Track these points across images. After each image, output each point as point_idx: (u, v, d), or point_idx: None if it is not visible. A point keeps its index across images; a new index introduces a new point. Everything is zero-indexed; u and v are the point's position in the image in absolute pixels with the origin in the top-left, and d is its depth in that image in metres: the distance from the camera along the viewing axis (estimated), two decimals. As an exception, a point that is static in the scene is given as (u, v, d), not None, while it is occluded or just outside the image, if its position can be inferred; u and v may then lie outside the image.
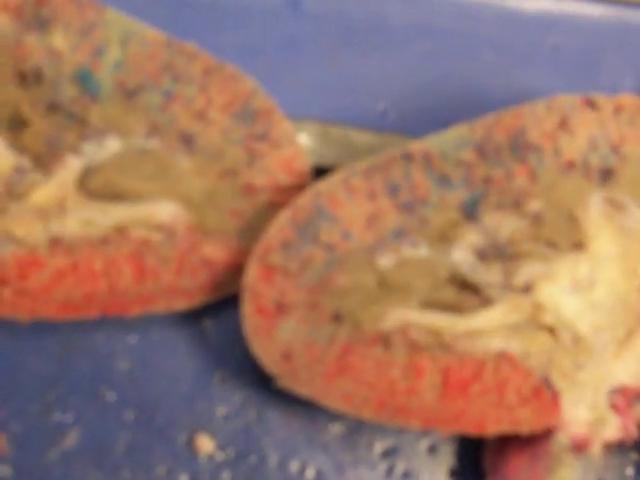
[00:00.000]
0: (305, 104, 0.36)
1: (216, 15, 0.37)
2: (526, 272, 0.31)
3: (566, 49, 0.38)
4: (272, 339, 0.31)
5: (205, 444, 0.33)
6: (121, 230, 0.31)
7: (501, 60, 0.38)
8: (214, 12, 0.37)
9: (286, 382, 0.31)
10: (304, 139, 0.34)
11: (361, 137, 0.34)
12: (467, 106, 0.37)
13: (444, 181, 0.31)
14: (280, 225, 0.31)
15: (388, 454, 0.34)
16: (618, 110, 0.32)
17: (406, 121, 0.37)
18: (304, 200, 0.31)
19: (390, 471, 0.34)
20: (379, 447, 0.34)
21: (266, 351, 0.31)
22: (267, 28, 0.37)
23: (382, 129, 0.35)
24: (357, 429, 0.34)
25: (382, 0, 0.38)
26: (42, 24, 0.31)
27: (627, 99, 0.32)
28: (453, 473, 0.34)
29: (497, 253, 0.31)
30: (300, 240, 0.31)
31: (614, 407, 0.31)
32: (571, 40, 0.38)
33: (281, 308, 0.31)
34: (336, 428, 0.34)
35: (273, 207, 0.32)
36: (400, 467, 0.34)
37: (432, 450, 0.34)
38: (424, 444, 0.34)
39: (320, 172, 0.33)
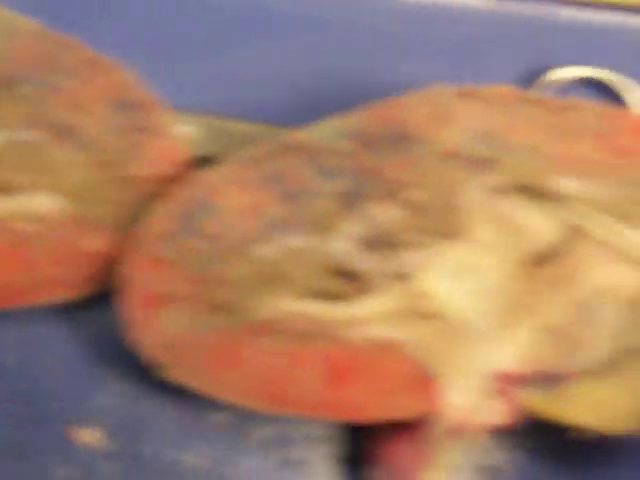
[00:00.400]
0: (187, 95, 0.36)
1: (97, 6, 0.36)
2: (406, 260, 0.31)
3: (447, 40, 0.39)
4: (154, 330, 0.31)
5: (85, 436, 0.33)
6: (-1, 222, 0.31)
7: (383, 51, 0.38)
8: (95, 3, 0.36)
9: (169, 373, 0.31)
10: (185, 130, 0.34)
11: (243, 128, 0.35)
12: (350, 97, 0.37)
13: (324, 171, 0.31)
14: (161, 216, 0.31)
15: (271, 443, 0.34)
16: (496, 100, 0.32)
17: (288, 112, 0.37)
18: (185, 191, 0.31)
19: (277, 460, 0.34)
20: (261, 436, 0.34)
21: (147, 342, 0.31)
22: (148, 19, 0.36)
23: (264, 120, 0.35)
24: (238, 418, 0.34)
25: (269, -8, 0.38)
26: None
27: (505, 89, 0.33)
28: (342, 460, 0.34)
29: (377, 242, 0.31)
30: (181, 230, 0.31)
31: (495, 392, 0.32)
32: (452, 31, 0.39)
33: (162, 299, 0.31)
34: (216, 417, 0.34)
35: (154, 198, 0.32)
36: (283, 456, 0.34)
37: (319, 438, 0.34)
38: (311, 432, 0.34)
39: (202, 163, 0.33)
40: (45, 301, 0.32)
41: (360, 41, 0.38)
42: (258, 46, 0.38)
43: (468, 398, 0.32)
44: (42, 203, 0.31)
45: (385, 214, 0.31)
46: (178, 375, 0.31)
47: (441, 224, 0.31)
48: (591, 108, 0.33)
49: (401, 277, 0.31)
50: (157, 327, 0.31)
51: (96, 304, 0.35)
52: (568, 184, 0.33)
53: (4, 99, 0.32)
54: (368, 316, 0.31)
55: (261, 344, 0.31)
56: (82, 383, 0.34)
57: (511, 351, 0.32)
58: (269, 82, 0.37)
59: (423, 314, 0.32)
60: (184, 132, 0.34)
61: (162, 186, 0.32)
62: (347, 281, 0.32)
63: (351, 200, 0.31)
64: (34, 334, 0.34)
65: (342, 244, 0.31)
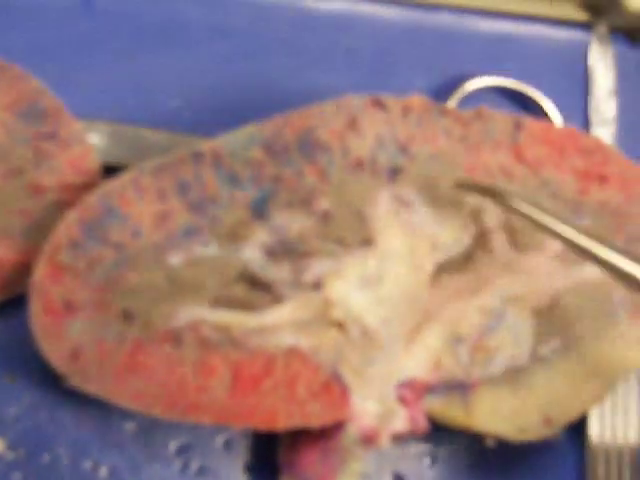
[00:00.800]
0: (98, 103, 0.36)
1: (5, 14, 0.36)
2: (315, 269, 0.31)
3: (360, 50, 0.39)
4: (61, 338, 0.31)
5: (-6, 445, 0.33)
6: None
7: (296, 61, 0.38)
8: (3, 11, 0.36)
9: (76, 381, 0.31)
10: (94, 138, 0.34)
11: (154, 136, 0.35)
12: (261, 106, 0.37)
13: (234, 180, 0.31)
14: (68, 224, 0.31)
15: (183, 451, 0.34)
16: (406, 110, 0.33)
17: (200, 121, 0.37)
18: (93, 199, 0.31)
19: (185, 467, 0.34)
20: (174, 444, 0.34)
21: (55, 350, 0.31)
22: (58, 27, 0.36)
23: (176, 128, 0.35)
24: (151, 427, 0.34)
25: (177, 0, 0.38)
26: None
27: (415, 100, 0.33)
28: (249, 468, 0.35)
29: (287, 251, 0.31)
30: (89, 239, 0.31)
31: (403, 400, 0.32)
32: (365, 42, 0.39)
33: (69, 307, 0.31)
34: (130, 426, 0.34)
35: (62, 206, 0.32)
36: (195, 463, 0.34)
37: (227, 446, 0.34)
38: (219, 440, 0.34)
39: (111, 171, 0.33)
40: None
41: (274, 51, 0.38)
42: (167, 55, 0.38)
43: (377, 406, 0.32)
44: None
45: (294, 223, 0.31)
46: (85, 383, 0.31)
47: (349, 233, 0.32)
48: (500, 118, 0.33)
49: (310, 286, 0.31)
50: (64, 335, 0.31)
51: (6, 312, 0.34)
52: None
53: None
54: (277, 324, 0.31)
55: (166, 352, 0.31)
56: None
57: (419, 359, 0.33)
58: (179, 90, 0.37)
59: (332, 322, 0.32)
60: (93, 140, 0.34)
61: (71, 195, 0.32)
62: (257, 290, 0.32)
63: (261, 209, 0.31)
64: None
65: (252, 253, 0.31)
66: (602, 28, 0.41)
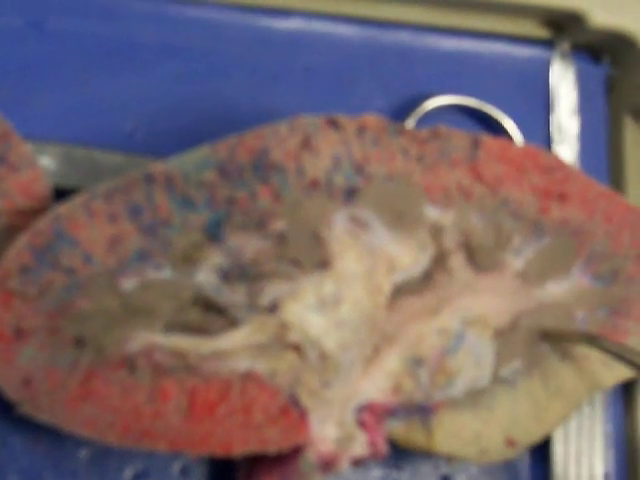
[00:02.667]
0: (50, 126, 0.36)
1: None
2: (271, 292, 0.31)
3: (317, 69, 0.39)
4: (11, 365, 0.30)
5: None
6: None
7: (251, 80, 0.38)
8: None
9: (27, 409, 0.31)
10: (45, 161, 0.34)
11: (107, 158, 0.34)
12: (217, 127, 0.37)
13: (187, 203, 0.31)
14: (18, 249, 0.30)
15: (139, 478, 0.34)
16: (362, 130, 0.32)
17: (154, 142, 0.36)
18: (43, 223, 0.30)
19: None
20: (129, 471, 0.34)
21: (6, 377, 0.31)
22: (7, 49, 0.36)
23: (129, 150, 0.35)
24: (106, 454, 0.34)
25: (129, 20, 0.37)
26: None
27: (371, 119, 0.32)
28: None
29: (242, 273, 0.31)
30: (39, 264, 0.30)
31: (362, 424, 0.32)
32: (322, 60, 0.39)
33: (20, 333, 0.30)
34: (84, 453, 0.34)
35: (12, 231, 0.31)
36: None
37: (184, 472, 0.34)
38: (176, 467, 0.34)
39: (63, 195, 0.32)
40: None
41: (229, 71, 0.38)
42: (120, 75, 0.37)
43: (336, 430, 0.32)
44: None
45: (249, 245, 0.31)
46: (37, 411, 0.31)
47: (305, 255, 0.31)
48: (457, 136, 0.33)
49: (266, 309, 0.31)
50: (15, 362, 0.31)
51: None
52: (434, 213, 0.33)
53: None
54: (233, 349, 0.31)
55: (120, 378, 0.31)
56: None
57: (378, 382, 0.32)
58: (132, 112, 0.37)
59: (288, 346, 0.32)
60: (44, 163, 0.34)
61: (21, 219, 0.32)
62: (212, 314, 0.31)
63: (215, 232, 0.31)
64: None
65: (206, 276, 0.31)
66: (564, 45, 0.41)
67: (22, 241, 0.30)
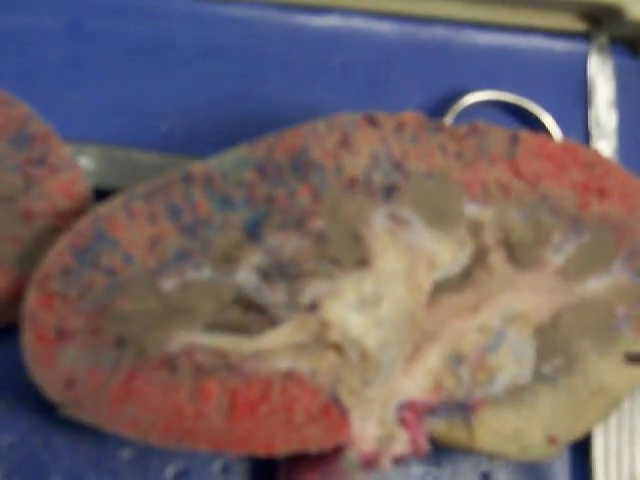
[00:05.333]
0: (88, 127, 0.36)
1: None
2: (311, 291, 0.31)
3: (355, 66, 0.39)
4: (54, 366, 0.31)
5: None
6: None
7: (289, 78, 0.38)
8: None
9: (70, 410, 0.31)
10: (85, 162, 0.34)
11: (146, 158, 0.34)
12: (254, 125, 0.37)
13: (226, 202, 0.31)
14: (59, 251, 0.30)
15: (180, 477, 0.34)
16: (400, 127, 0.32)
17: (192, 141, 0.36)
18: (84, 225, 0.30)
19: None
20: (170, 471, 0.34)
21: (48, 379, 0.31)
22: (46, 50, 0.36)
23: (168, 150, 0.35)
24: (147, 454, 0.34)
25: (166, 19, 0.37)
26: None
27: (409, 116, 0.32)
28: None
29: (281, 273, 0.31)
30: (80, 265, 0.30)
31: (403, 422, 0.32)
32: (359, 57, 0.39)
33: (62, 335, 0.30)
34: (125, 453, 0.34)
35: (53, 233, 0.32)
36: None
37: (225, 471, 0.34)
38: (216, 466, 0.34)
39: (103, 196, 0.33)
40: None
41: (267, 69, 0.38)
42: (158, 75, 0.37)
43: (377, 429, 0.32)
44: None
45: (289, 244, 0.31)
46: (79, 412, 0.31)
47: (345, 254, 0.31)
48: (496, 132, 0.33)
49: (306, 308, 0.31)
50: (57, 363, 0.31)
51: (1, 340, 0.34)
52: (473, 210, 0.32)
53: None
54: (274, 348, 0.31)
55: (161, 378, 0.31)
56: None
57: (419, 380, 0.32)
58: (170, 111, 0.37)
59: (329, 345, 0.31)
60: (83, 164, 0.34)
61: (62, 220, 0.32)
62: (252, 313, 0.31)
63: (254, 231, 0.31)
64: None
65: (246, 276, 0.31)
66: (601, 38, 0.41)
67: (63, 242, 0.31)
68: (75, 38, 0.37)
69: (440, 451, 0.35)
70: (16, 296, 0.32)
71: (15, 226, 0.32)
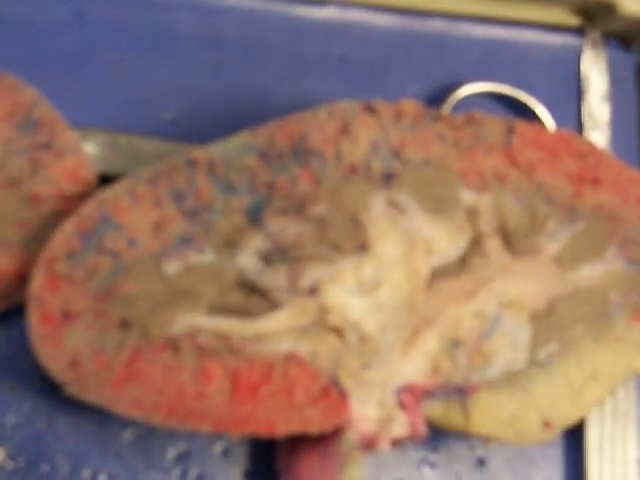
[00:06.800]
0: (92, 114, 0.36)
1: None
2: (311, 275, 0.31)
3: (352, 58, 0.39)
4: (59, 347, 0.31)
5: (-6, 454, 0.33)
6: None
7: (289, 69, 0.38)
8: (-2, 22, 0.36)
9: (74, 390, 0.31)
10: (90, 148, 0.34)
11: (148, 145, 0.35)
12: (253, 115, 0.37)
13: (228, 187, 0.31)
14: (65, 234, 0.31)
15: (181, 459, 0.34)
16: (399, 115, 0.33)
17: (194, 129, 0.37)
18: (89, 208, 0.31)
19: (184, 475, 0.34)
20: (172, 452, 0.34)
21: (53, 359, 0.31)
22: (52, 39, 0.37)
23: (170, 137, 0.36)
24: (149, 435, 0.34)
25: (169, 10, 0.38)
26: None
27: (408, 105, 0.33)
28: (247, 475, 0.35)
29: (282, 257, 0.31)
30: (85, 248, 0.31)
31: (402, 405, 0.32)
32: (358, 49, 0.39)
33: (67, 316, 0.31)
34: (128, 434, 0.34)
35: (58, 216, 0.32)
36: (194, 471, 0.34)
37: (226, 453, 0.35)
38: (218, 447, 0.35)
39: (107, 181, 0.33)
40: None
41: (267, 59, 0.39)
42: (160, 64, 0.38)
43: (376, 411, 0.32)
44: (-56, 222, 0.31)
45: (290, 229, 0.31)
46: (83, 392, 0.31)
47: (345, 238, 0.32)
48: (492, 122, 0.34)
49: (306, 292, 0.32)
50: (62, 344, 0.31)
51: (5, 321, 0.35)
52: (470, 197, 0.33)
53: None
54: (275, 331, 0.32)
55: (164, 360, 0.31)
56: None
57: (417, 364, 0.33)
58: (172, 99, 0.38)
59: (329, 328, 0.32)
60: (88, 150, 0.34)
61: (67, 204, 0.32)
62: (253, 296, 0.32)
63: (256, 215, 0.31)
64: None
65: (248, 259, 0.31)
66: (595, 33, 0.41)
67: (68, 225, 0.31)
68: (80, 27, 0.38)
69: (436, 436, 0.35)
70: (22, 278, 0.32)
71: (21, 209, 0.32)
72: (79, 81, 0.37)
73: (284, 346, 0.32)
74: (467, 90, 0.39)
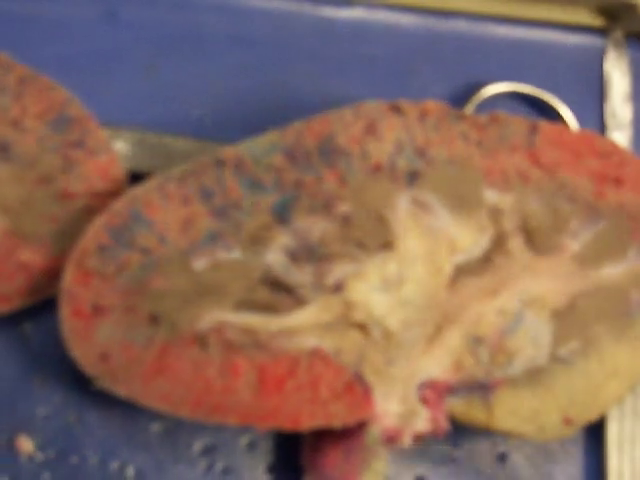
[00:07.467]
0: (123, 112, 0.37)
1: (32, 26, 0.37)
2: (337, 272, 0.32)
3: (378, 58, 0.40)
4: (89, 341, 0.32)
5: (25, 445, 0.34)
6: None
7: (315, 69, 0.39)
8: (30, 23, 0.37)
9: (104, 383, 0.32)
10: (120, 146, 0.35)
11: (178, 144, 0.35)
12: (281, 114, 0.38)
13: (256, 185, 0.32)
14: (96, 230, 0.31)
15: (207, 451, 0.35)
16: (423, 115, 0.33)
17: (222, 128, 0.37)
18: (120, 205, 0.31)
19: (210, 468, 0.35)
20: (198, 445, 0.35)
21: (84, 353, 0.32)
22: (84, 38, 0.37)
23: (199, 136, 0.36)
24: (176, 428, 0.35)
25: (198, 10, 0.39)
26: None
27: (432, 105, 0.33)
28: (272, 469, 0.35)
29: (309, 254, 0.32)
30: (116, 244, 0.31)
31: (424, 400, 0.33)
32: (383, 49, 0.40)
33: (98, 311, 0.31)
34: (156, 427, 0.35)
35: (89, 213, 0.33)
36: (220, 464, 0.35)
37: (251, 446, 0.35)
38: (243, 441, 0.35)
39: (137, 178, 0.34)
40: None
41: (294, 59, 0.39)
42: (190, 64, 0.39)
43: (399, 406, 0.33)
44: (-21, 219, 0.32)
45: (316, 227, 0.32)
46: (113, 385, 0.32)
47: (370, 236, 0.32)
48: (515, 122, 0.34)
49: (332, 288, 0.32)
50: (93, 338, 0.32)
51: (37, 315, 0.35)
52: (493, 196, 0.33)
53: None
54: (300, 327, 0.32)
55: (192, 355, 0.32)
56: (22, 394, 0.35)
57: (440, 360, 0.33)
58: (201, 98, 0.38)
59: (353, 325, 0.32)
60: (118, 148, 0.35)
61: (98, 201, 0.33)
62: (280, 293, 0.32)
63: (283, 213, 0.32)
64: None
65: (275, 257, 0.32)
66: (617, 33, 0.42)
67: (100, 221, 0.32)
68: (111, 28, 0.38)
69: (458, 432, 0.35)
70: (54, 273, 0.33)
71: (53, 206, 0.33)
72: (110, 80, 0.37)
73: (309, 342, 0.32)
74: (491, 90, 0.39)
